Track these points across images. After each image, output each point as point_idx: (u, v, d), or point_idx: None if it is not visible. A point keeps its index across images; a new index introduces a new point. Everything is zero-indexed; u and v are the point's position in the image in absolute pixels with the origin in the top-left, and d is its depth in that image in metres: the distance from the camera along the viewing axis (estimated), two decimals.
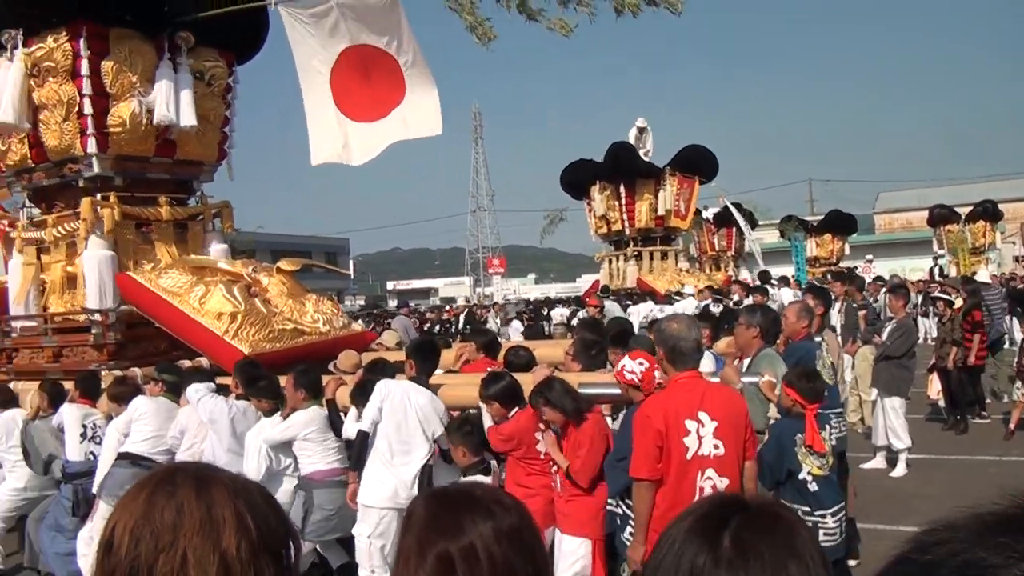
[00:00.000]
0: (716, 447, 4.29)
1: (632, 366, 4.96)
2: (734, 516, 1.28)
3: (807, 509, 5.00)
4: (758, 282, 20.26)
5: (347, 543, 6.45)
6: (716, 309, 14.87)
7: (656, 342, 4.63)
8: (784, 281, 20.83)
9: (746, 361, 6.36)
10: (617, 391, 5.56)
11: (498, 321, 20.39)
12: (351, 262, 72.73)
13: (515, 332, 20.72)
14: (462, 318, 25.79)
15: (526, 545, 1.56)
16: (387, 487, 5.75)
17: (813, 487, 5.07)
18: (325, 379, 6.79)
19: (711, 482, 4.29)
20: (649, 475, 4.29)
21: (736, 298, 17.16)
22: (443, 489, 1.71)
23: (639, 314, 16.33)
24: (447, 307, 35.17)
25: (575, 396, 5.37)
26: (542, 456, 5.56)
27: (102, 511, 6.64)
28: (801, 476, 5.06)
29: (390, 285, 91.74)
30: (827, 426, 5.38)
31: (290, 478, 6.52)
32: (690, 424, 4.28)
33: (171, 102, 8.87)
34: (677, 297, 19.86)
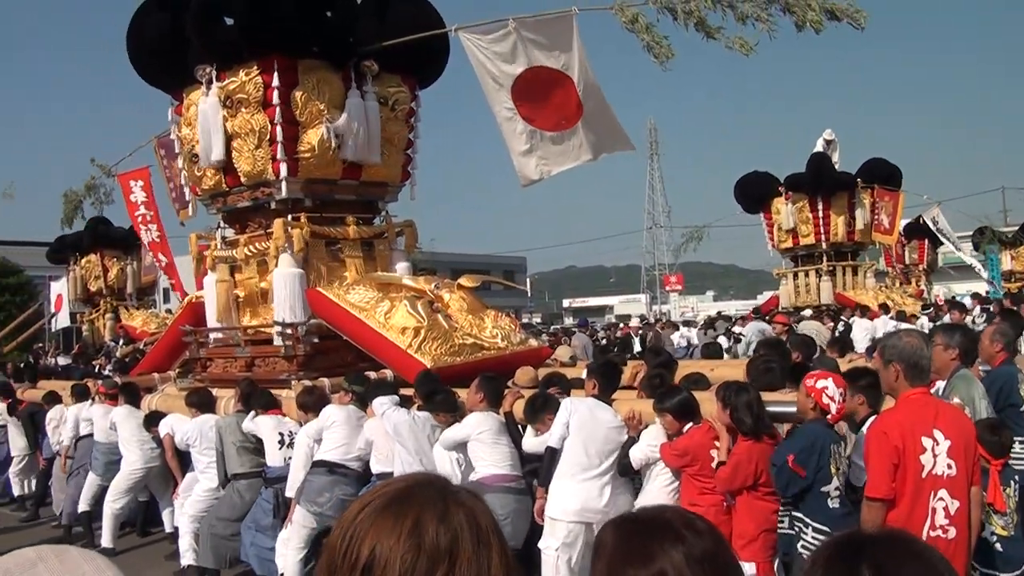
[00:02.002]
0: (949, 467, 4.10)
1: (834, 392, 4.79)
2: (868, 544, 1.34)
3: (993, 572, 4.68)
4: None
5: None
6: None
7: (893, 357, 4.39)
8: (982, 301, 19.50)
9: (940, 384, 6.02)
10: (791, 410, 5.37)
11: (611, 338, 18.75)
12: (528, 280, 73.50)
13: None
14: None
15: (720, 569, 1.52)
16: (574, 501, 5.76)
17: (999, 548, 4.73)
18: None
19: (943, 503, 4.08)
20: (886, 494, 4.11)
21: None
22: (633, 515, 1.68)
23: (872, 330, 15.74)
24: (621, 325, 34.59)
25: (759, 417, 5.19)
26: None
27: (299, 517, 6.98)
28: (984, 536, 4.68)
29: (566, 303, 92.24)
30: (1012, 482, 4.98)
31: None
32: (926, 441, 4.10)
33: (358, 142, 9.32)
34: (923, 313, 19.02)
